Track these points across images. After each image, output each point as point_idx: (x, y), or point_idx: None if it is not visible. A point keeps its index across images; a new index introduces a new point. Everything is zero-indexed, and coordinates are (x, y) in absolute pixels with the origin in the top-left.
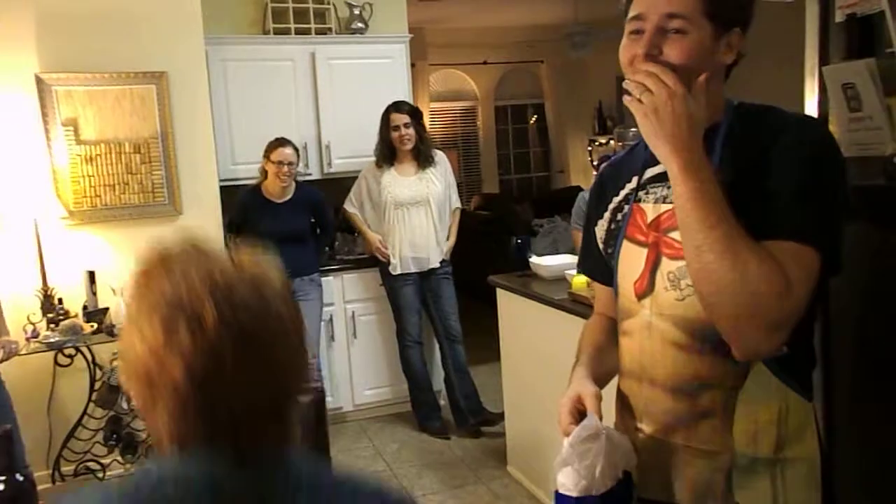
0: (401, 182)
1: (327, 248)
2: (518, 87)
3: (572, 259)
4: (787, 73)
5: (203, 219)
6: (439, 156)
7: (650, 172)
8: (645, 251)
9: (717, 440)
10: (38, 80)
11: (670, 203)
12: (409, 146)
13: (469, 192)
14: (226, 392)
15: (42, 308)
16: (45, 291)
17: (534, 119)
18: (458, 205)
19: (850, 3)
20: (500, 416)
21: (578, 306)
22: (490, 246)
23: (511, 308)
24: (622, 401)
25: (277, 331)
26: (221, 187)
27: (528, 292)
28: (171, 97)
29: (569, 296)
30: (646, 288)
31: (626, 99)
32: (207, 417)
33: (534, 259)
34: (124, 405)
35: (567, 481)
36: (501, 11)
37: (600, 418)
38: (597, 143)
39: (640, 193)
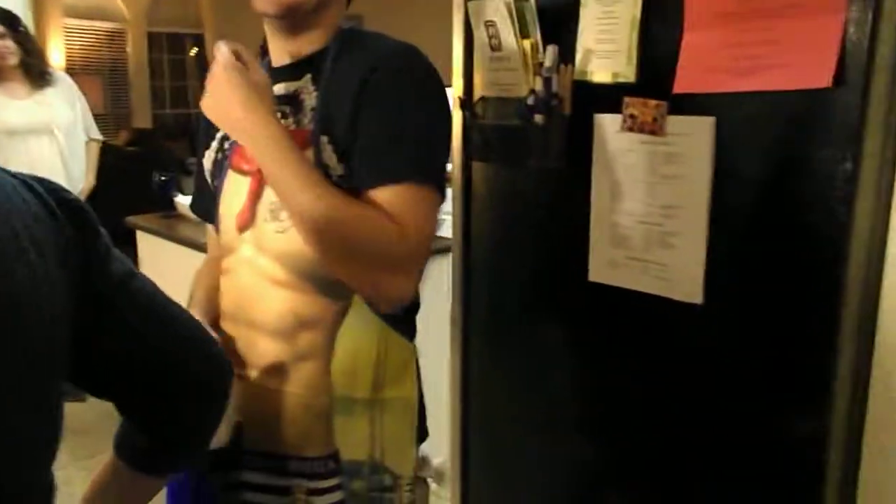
0: (11, 105)
1: None
2: (173, 12)
3: None
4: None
5: None
6: (59, 75)
7: None
8: (248, 180)
9: (316, 383)
10: None
11: None
12: (13, 62)
13: (117, 126)
14: None
15: None
16: None
17: (194, 51)
18: (97, 136)
19: None
20: None
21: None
22: (137, 185)
23: (154, 252)
24: (224, 346)
25: None
26: None
27: (172, 235)
28: None
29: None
30: (247, 220)
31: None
32: None
33: (179, 198)
34: None
35: None
36: None
37: None
38: None
39: None
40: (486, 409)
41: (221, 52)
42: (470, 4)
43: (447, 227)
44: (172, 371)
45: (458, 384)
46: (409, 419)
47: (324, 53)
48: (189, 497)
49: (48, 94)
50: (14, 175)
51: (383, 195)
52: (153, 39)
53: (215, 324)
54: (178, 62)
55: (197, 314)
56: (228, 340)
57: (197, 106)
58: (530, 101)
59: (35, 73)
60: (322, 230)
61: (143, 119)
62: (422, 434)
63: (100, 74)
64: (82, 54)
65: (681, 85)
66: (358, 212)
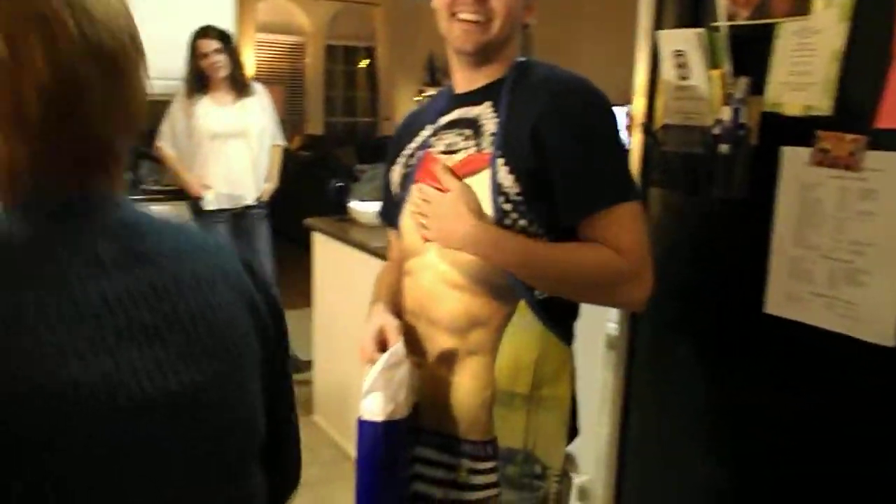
0: (217, 111)
1: (130, 176)
2: (350, 27)
3: None
4: (614, 39)
5: None
6: (257, 86)
7: (442, 121)
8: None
9: (483, 376)
10: None
11: (457, 151)
12: (223, 73)
13: (292, 132)
14: (81, 122)
15: None
16: None
17: (365, 62)
18: (281, 142)
19: None
20: (308, 364)
21: None
22: (309, 188)
23: (327, 253)
24: (406, 338)
25: (132, 55)
26: None
27: (345, 238)
28: None
29: (387, 244)
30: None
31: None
32: (55, 151)
33: (353, 204)
34: None
35: (374, 407)
36: None
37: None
38: (425, 95)
39: (433, 140)
40: (643, 433)
41: (443, 178)
42: (659, 33)
43: None
44: (283, 456)
45: (618, 406)
46: (562, 417)
47: (502, 82)
48: (384, 457)
49: (247, 102)
50: (241, 259)
51: (599, 222)
52: (330, 51)
53: (398, 317)
54: (350, 73)
55: (382, 309)
56: (410, 332)
57: (365, 114)
58: (716, 130)
59: (239, 84)
60: (564, 292)
61: (315, 125)
62: (572, 432)
63: (281, 83)
64: (268, 65)
65: (884, 119)
66: (585, 259)
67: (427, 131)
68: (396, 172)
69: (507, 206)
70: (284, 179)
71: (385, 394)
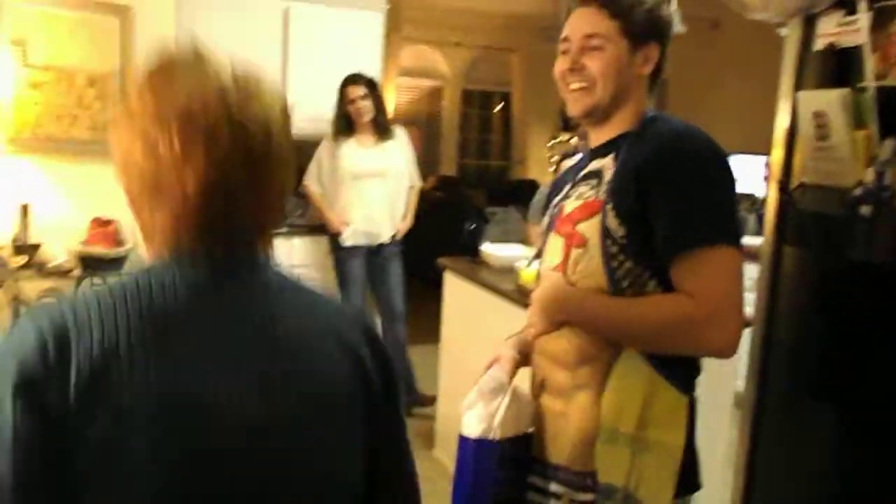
0: (360, 153)
1: None
2: (488, 72)
3: (524, 250)
4: (758, 94)
5: None
6: (398, 130)
7: (580, 175)
8: (562, 241)
9: (588, 410)
10: None
11: (581, 199)
12: (368, 118)
13: (427, 173)
14: (229, 208)
15: None
16: None
17: (500, 107)
18: (418, 182)
19: (832, 32)
20: (432, 399)
21: (525, 298)
22: (441, 228)
23: (457, 292)
24: (532, 371)
25: (279, 156)
26: None
27: (476, 279)
28: (135, 34)
29: (517, 287)
30: (559, 272)
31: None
32: (208, 228)
33: (485, 246)
34: None
35: (470, 423)
36: None
37: (510, 378)
38: (557, 140)
39: (571, 191)
40: (767, 496)
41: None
42: (799, 95)
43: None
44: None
45: (742, 468)
46: (671, 464)
47: (627, 136)
48: (495, 457)
49: (388, 145)
50: (365, 333)
51: (683, 265)
52: (466, 95)
53: (524, 351)
54: (485, 116)
55: (511, 342)
56: (536, 367)
57: (497, 158)
58: (858, 191)
59: (382, 127)
60: (642, 343)
61: (449, 167)
62: (689, 485)
63: (418, 125)
64: (407, 107)
65: None
66: (651, 309)
67: (569, 185)
68: (543, 222)
69: (614, 249)
70: (418, 218)
71: (481, 413)
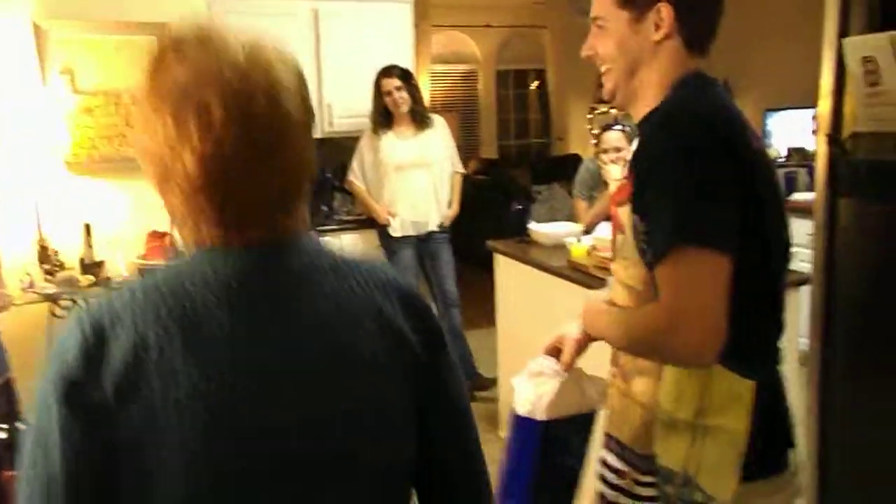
0: (400, 145)
1: (325, 208)
2: (520, 51)
3: (572, 227)
4: (798, 48)
5: None
6: (437, 118)
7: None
8: (612, 224)
9: (647, 395)
10: (35, 27)
11: (619, 180)
12: (405, 109)
13: (467, 157)
14: (234, 188)
15: (38, 259)
16: (41, 242)
17: (535, 84)
18: (461, 169)
19: None
20: (493, 381)
21: (577, 274)
22: (487, 211)
23: (508, 274)
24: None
25: (286, 132)
26: None
27: (526, 259)
28: None
29: (568, 264)
30: (611, 254)
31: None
32: (218, 208)
33: (533, 225)
34: None
35: (519, 400)
36: None
37: (572, 358)
38: (597, 112)
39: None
40: (848, 457)
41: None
42: (846, 41)
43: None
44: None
45: (815, 427)
46: (733, 451)
47: (650, 116)
48: (539, 437)
49: (427, 134)
50: (401, 295)
51: (656, 273)
52: (500, 76)
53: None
54: (521, 96)
55: (577, 322)
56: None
57: (537, 136)
58: None
59: (420, 117)
60: (636, 355)
61: (489, 149)
62: (769, 465)
63: (455, 111)
64: (442, 94)
65: None
66: (635, 323)
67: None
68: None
69: (644, 244)
70: (463, 204)
71: (526, 394)
